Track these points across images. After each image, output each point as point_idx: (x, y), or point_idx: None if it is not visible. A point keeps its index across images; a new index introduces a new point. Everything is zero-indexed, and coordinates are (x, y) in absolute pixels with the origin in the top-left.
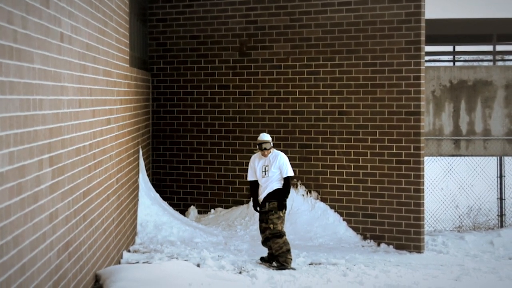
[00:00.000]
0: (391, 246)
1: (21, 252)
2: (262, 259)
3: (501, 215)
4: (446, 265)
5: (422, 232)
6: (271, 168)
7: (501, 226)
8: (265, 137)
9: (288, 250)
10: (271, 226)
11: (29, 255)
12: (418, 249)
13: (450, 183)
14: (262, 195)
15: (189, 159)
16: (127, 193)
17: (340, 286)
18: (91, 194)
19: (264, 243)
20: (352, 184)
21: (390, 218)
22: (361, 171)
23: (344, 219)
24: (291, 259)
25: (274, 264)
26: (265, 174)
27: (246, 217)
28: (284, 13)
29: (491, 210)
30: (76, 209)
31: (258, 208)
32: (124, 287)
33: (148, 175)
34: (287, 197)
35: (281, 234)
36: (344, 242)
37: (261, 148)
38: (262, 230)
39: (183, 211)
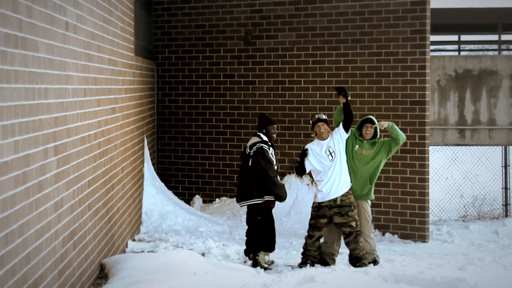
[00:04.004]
0: (395, 236)
1: (26, 241)
2: (323, 261)
3: (506, 204)
4: (451, 255)
5: (426, 221)
6: (337, 146)
7: (506, 215)
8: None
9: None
10: (353, 223)
11: (34, 244)
12: (423, 238)
13: (455, 172)
14: (334, 190)
15: (194, 148)
16: (132, 182)
17: (345, 275)
18: (96, 183)
19: (315, 241)
20: None
21: (395, 208)
22: None
23: None
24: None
25: (361, 266)
26: (332, 156)
27: None
28: (289, 2)
29: (496, 199)
30: (81, 198)
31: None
32: (129, 276)
33: (153, 164)
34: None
35: (361, 232)
36: None
37: (318, 120)
38: (319, 227)
39: (188, 201)
